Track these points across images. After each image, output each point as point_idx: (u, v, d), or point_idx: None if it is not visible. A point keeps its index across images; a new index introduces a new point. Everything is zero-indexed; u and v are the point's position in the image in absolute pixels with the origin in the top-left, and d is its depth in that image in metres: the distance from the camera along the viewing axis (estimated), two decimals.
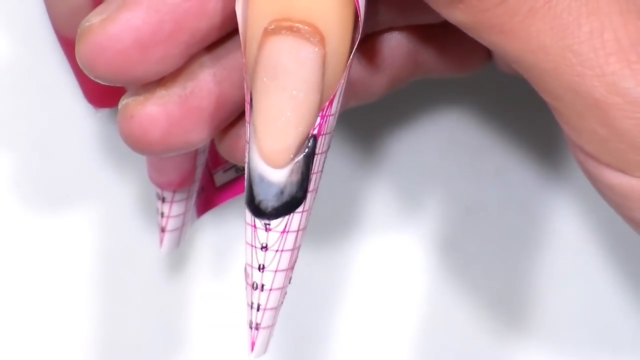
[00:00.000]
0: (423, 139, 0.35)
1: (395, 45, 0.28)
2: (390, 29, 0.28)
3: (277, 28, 0.22)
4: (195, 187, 0.32)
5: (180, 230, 0.32)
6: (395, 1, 0.27)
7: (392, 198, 0.36)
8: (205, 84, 0.25)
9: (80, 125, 0.35)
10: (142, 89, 0.25)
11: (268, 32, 0.23)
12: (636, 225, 0.25)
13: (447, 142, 0.35)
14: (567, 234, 0.36)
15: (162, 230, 0.32)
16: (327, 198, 0.32)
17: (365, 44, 0.28)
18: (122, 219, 0.36)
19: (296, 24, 0.22)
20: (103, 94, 0.30)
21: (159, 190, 0.31)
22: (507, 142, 0.35)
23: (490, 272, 0.36)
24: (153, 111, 0.25)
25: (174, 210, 0.31)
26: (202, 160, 0.31)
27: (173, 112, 0.25)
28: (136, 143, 0.25)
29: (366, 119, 0.33)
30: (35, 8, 0.33)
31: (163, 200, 0.31)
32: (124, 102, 0.25)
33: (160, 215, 0.32)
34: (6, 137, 0.35)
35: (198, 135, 0.26)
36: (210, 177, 0.33)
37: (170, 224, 0.32)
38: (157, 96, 0.25)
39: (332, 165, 0.29)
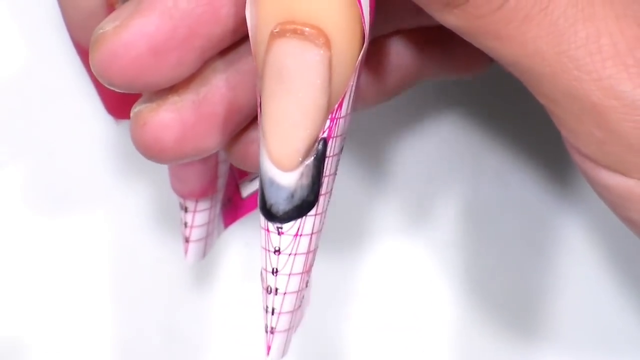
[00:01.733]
0: (423, 140, 0.35)
1: (401, 48, 0.28)
2: (397, 32, 0.28)
3: (282, 31, 0.22)
4: (219, 196, 0.32)
5: (205, 240, 0.32)
6: (401, 5, 0.27)
7: (392, 199, 0.36)
8: (218, 89, 0.25)
9: (100, 135, 0.35)
10: (154, 95, 0.25)
11: (274, 35, 0.23)
12: (633, 225, 0.25)
13: (447, 143, 0.35)
14: (568, 234, 0.35)
15: (186, 240, 0.32)
16: (340, 178, 0.32)
17: (372, 47, 0.28)
18: (143, 229, 0.36)
19: (300, 27, 0.22)
20: (123, 105, 0.30)
21: (181, 200, 0.31)
22: (508, 143, 0.35)
23: (490, 273, 0.36)
24: (166, 118, 0.25)
25: (197, 220, 0.32)
26: (223, 169, 0.31)
27: (186, 119, 0.25)
28: (149, 150, 0.25)
29: (366, 120, 0.33)
30: (55, 17, 0.33)
31: (186, 210, 0.31)
32: (136, 109, 0.25)
33: (183, 225, 0.32)
34: (25, 146, 0.35)
35: (211, 141, 0.26)
36: (236, 187, 0.33)
37: (194, 234, 0.32)
38: (169, 102, 0.25)
39: (346, 151, 0.29)
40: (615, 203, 0.24)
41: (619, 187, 0.24)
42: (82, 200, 0.36)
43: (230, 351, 0.36)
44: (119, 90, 0.25)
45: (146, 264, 0.36)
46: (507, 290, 0.35)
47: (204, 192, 0.31)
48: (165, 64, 0.24)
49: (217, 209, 0.32)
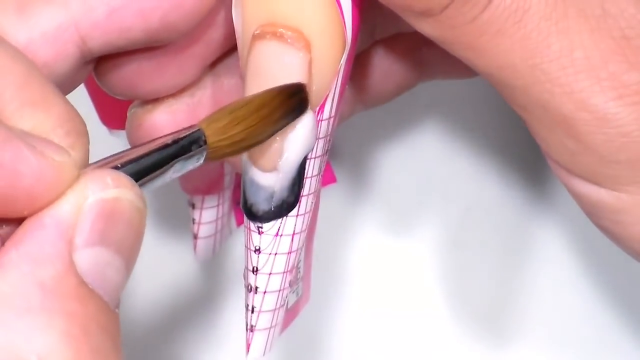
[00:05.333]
0: (423, 139, 0.35)
1: (402, 50, 0.28)
2: (398, 34, 0.28)
3: (263, 33, 0.23)
4: (227, 194, 0.32)
5: (214, 237, 0.33)
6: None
7: (392, 198, 0.36)
8: (214, 93, 0.26)
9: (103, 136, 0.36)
10: None
11: (255, 37, 0.23)
12: (606, 232, 0.24)
13: (447, 142, 0.35)
14: (568, 234, 0.35)
15: (195, 236, 0.32)
16: (326, 199, 0.32)
17: (373, 50, 0.28)
18: (154, 228, 0.37)
19: (280, 29, 0.22)
20: (117, 115, 0.31)
21: (189, 197, 0.32)
22: (507, 143, 0.35)
23: (490, 271, 0.36)
24: (160, 119, 0.25)
25: (204, 216, 0.32)
26: (229, 167, 0.31)
27: (180, 121, 0.25)
28: None
29: (366, 119, 0.33)
30: None
31: (193, 207, 0.32)
32: (132, 110, 0.26)
33: (192, 222, 0.32)
34: None
35: None
36: None
37: (202, 231, 0.32)
38: (165, 104, 0.25)
39: (347, 155, 0.29)
40: (588, 211, 0.24)
41: (591, 196, 0.24)
42: None
43: (232, 352, 0.36)
44: (123, 98, 0.25)
45: (151, 264, 0.36)
46: (505, 289, 0.36)
47: (210, 189, 0.31)
48: (167, 72, 0.24)
49: (226, 206, 0.33)
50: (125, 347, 0.35)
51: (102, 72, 0.24)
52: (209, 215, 0.32)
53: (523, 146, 0.35)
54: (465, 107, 0.35)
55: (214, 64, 0.26)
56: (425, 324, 0.36)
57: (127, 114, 0.26)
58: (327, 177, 0.33)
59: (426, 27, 0.23)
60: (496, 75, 0.23)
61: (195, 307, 0.37)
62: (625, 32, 0.22)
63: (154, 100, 0.26)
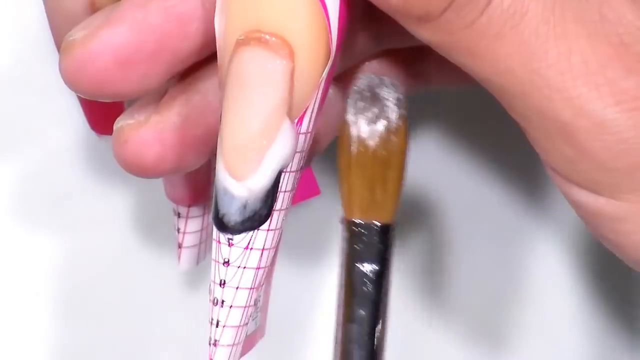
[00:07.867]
0: (423, 140, 0.35)
1: (397, 63, 0.28)
2: (390, 50, 0.28)
3: (247, 39, 0.22)
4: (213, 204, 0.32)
5: (199, 247, 0.32)
6: (388, 27, 0.26)
7: None
8: (200, 111, 0.25)
9: (90, 142, 0.35)
10: (136, 112, 0.25)
11: (238, 43, 0.22)
12: (605, 241, 0.24)
13: (447, 142, 0.35)
14: (566, 241, 0.35)
15: (179, 246, 0.32)
16: (325, 195, 0.31)
17: (368, 63, 0.28)
18: (136, 234, 0.36)
19: (264, 36, 0.22)
20: (106, 121, 0.30)
21: (174, 206, 0.31)
22: (507, 143, 0.34)
23: (490, 271, 0.35)
24: (147, 137, 0.25)
25: (190, 226, 0.31)
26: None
27: (167, 138, 0.25)
28: (130, 167, 0.25)
29: None
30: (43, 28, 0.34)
31: (179, 215, 0.31)
32: (118, 125, 0.25)
33: (177, 231, 0.32)
34: (16, 156, 0.35)
35: (191, 160, 0.26)
36: None
37: (187, 241, 0.32)
38: (151, 122, 0.25)
39: (331, 165, 0.28)
40: (587, 219, 0.24)
41: (590, 204, 0.23)
42: (75, 207, 0.36)
43: None
44: (88, 98, 0.25)
45: (140, 269, 0.36)
46: (505, 289, 0.35)
47: (196, 199, 0.31)
48: (131, 76, 0.24)
49: (211, 216, 0.32)
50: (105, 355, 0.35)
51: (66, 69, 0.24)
52: (194, 224, 0.32)
53: (521, 153, 0.34)
54: (463, 112, 0.35)
55: (201, 81, 0.25)
56: (424, 330, 0.36)
57: (113, 128, 0.26)
58: (310, 189, 0.32)
59: (425, 33, 0.23)
60: (495, 81, 0.23)
61: (176, 317, 0.36)
62: (623, 38, 0.22)
63: (140, 116, 0.25)
